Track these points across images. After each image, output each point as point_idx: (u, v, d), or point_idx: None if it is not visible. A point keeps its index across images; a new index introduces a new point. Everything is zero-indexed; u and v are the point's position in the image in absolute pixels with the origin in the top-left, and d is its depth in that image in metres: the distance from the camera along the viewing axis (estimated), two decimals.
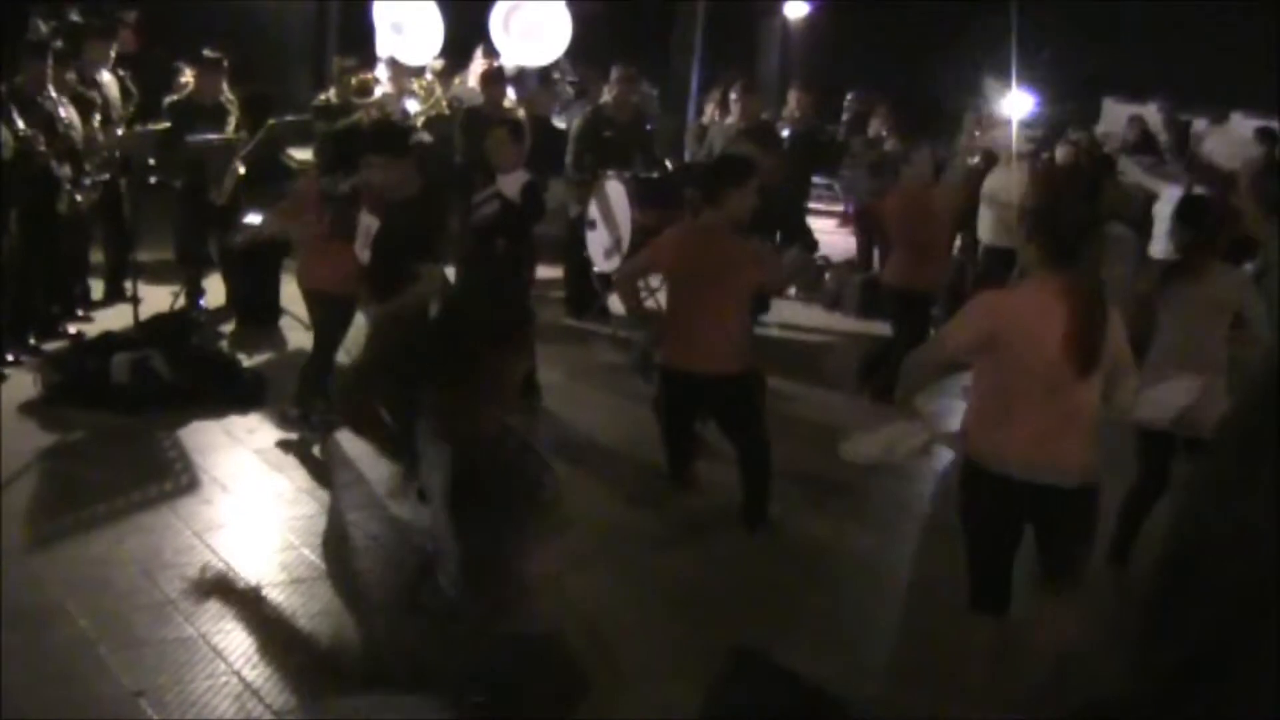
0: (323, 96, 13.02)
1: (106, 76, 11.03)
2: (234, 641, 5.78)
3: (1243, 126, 16.47)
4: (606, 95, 13.35)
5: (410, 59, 13.46)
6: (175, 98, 11.59)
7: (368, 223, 7.37)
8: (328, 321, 8.45)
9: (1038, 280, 5.14)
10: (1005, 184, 11.68)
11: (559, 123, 13.17)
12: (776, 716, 3.71)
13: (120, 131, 10.80)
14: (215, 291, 11.58)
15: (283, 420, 8.58)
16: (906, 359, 5.56)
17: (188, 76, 11.62)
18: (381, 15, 13.43)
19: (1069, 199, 6.22)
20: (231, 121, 11.22)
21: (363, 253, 7.19)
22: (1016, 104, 14.86)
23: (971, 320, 5.26)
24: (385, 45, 13.50)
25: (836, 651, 6.07)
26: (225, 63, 11.46)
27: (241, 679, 5.48)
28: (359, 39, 14.93)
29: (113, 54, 11.07)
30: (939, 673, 6.05)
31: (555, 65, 14.46)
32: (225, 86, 11.45)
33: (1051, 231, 5.07)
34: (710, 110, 14.44)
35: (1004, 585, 5.25)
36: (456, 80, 14.21)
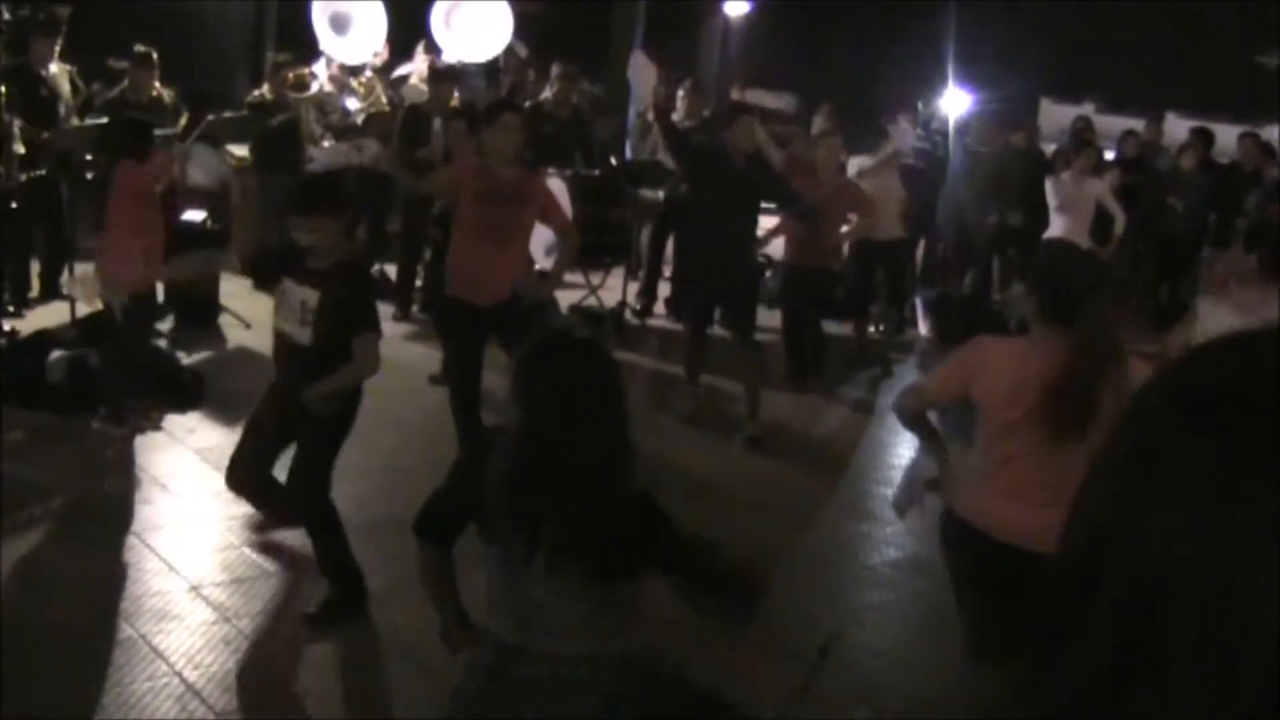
0: (257, 93, 12.92)
1: (55, 69, 10.94)
2: (174, 642, 5.74)
3: (1177, 127, 16.65)
4: (547, 92, 13.34)
5: (351, 57, 13.39)
6: (109, 94, 11.51)
7: (303, 297, 6.21)
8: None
9: (1034, 335, 4.77)
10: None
11: None
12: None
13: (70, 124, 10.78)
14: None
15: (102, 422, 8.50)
16: (895, 403, 5.29)
17: (124, 67, 11.55)
18: (320, 11, 13.32)
19: (1073, 255, 5.78)
20: (170, 116, 11.15)
21: (301, 331, 6.16)
22: (955, 102, 14.96)
23: (955, 368, 4.97)
24: (325, 42, 13.41)
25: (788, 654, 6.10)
26: (155, 56, 11.37)
27: (182, 679, 5.42)
28: (298, 35, 14.83)
29: (57, 49, 10.97)
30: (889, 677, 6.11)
31: (509, 46, 14.42)
32: (157, 82, 11.38)
33: (1050, 287, 4.71)
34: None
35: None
36: (412, 76, 14.14)
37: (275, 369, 6.52)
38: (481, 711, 3.65)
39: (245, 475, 6.71)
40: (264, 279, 6.62)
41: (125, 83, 11.40)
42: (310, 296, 6.08)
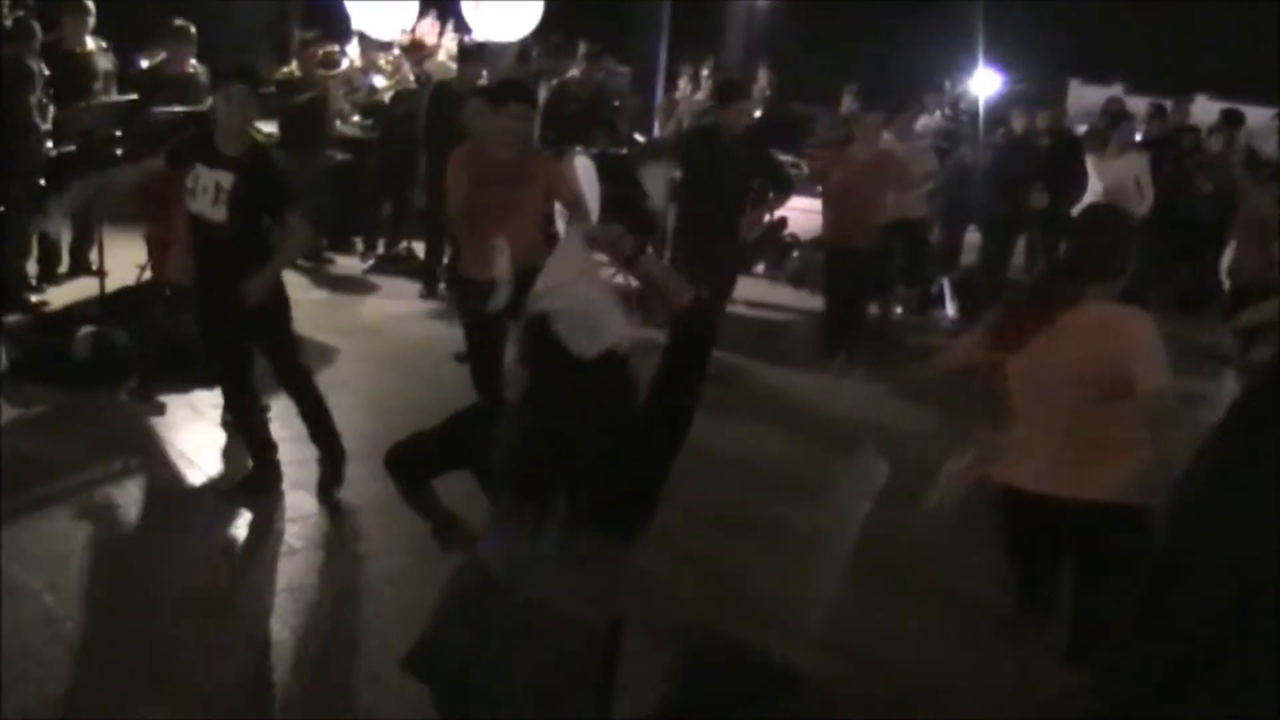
0: (284, 70, 12.91)
1: (90, 45, 10.95)
2: None
3: (1208, 110, 16.54)
4: (573, 71, 13.32)
5: (381, 33, 13.40)
6: (144, 66, 11.54)
7: (217, 179, 6.69)
8: None
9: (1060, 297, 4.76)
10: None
11: None
12: (739, 696, 3.69)
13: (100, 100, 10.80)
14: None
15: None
16: (935, 358, 5.43)
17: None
18: None
19: (1105, 216, 5.60)
20: (203, 93, 11.18)
21: (215, 210, 6.68)
22: (983, 83, 14.90)
23: (987, 330, 5.01)
24: (358, 19, 13.43)
25: (795, 632, 6.09)
26: (193, 31, 11.38)
27: None
28: (324, 13, 14.84)
29: (90, 23, 10.97)
30: (897, 654, 6.10)
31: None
32: (194, 59, 11.41)
33: (1082, 249, 4.81)
34: (683, 86, 14.43)
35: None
36: (440, 54, 14.14)
37: (193, 267, 7.04)
38: (465, 635, 3.54)
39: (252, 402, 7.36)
40: (177, 164, 6.88)
41: (161, 55, 11.41)
42: (224, 178, 6.61)
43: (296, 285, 9.73)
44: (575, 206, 8.10)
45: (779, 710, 3.53)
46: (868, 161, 10.56)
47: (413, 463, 3.82)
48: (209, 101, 10.94)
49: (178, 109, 10.81)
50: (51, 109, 10.18)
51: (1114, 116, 14.31)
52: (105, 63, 11.16)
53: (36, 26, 10.19)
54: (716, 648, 3.75)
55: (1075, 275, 4.71)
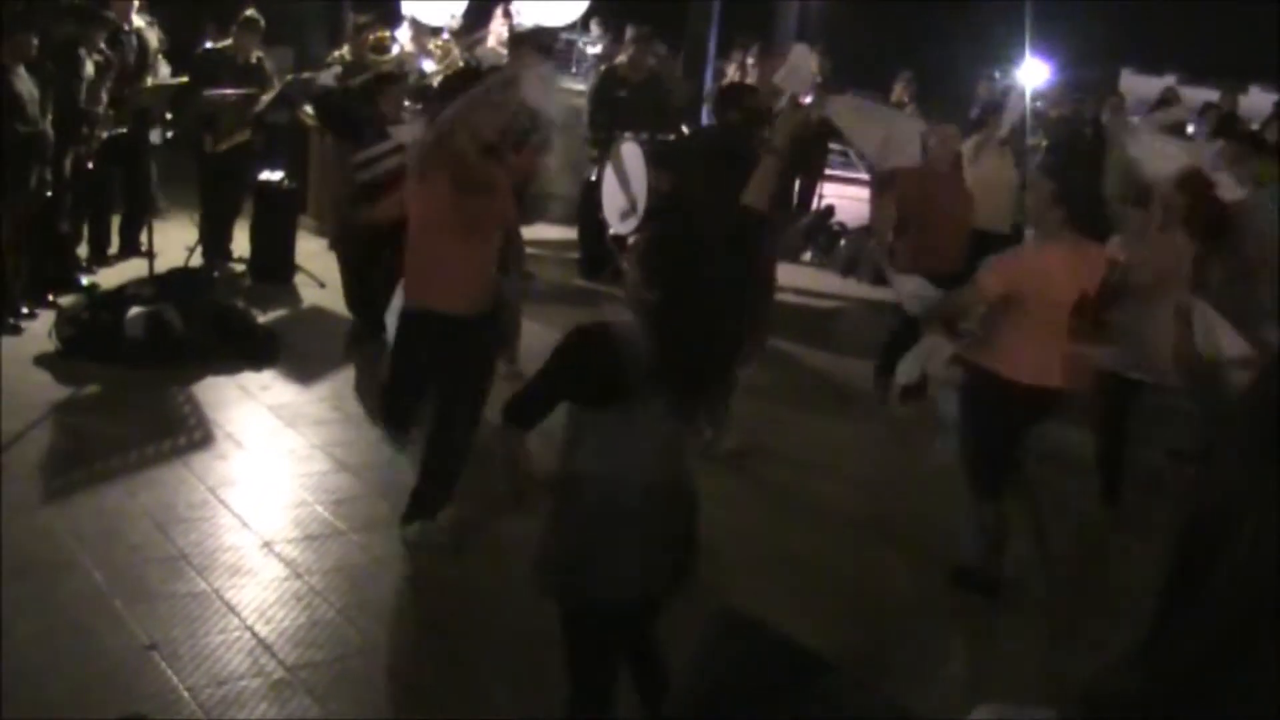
0: (337, 53, 12.97)
1: (140, 23, 11.03)
2: (247, 596, 5.81)
3: (1261, 100, 16.40)
4: (622, 57, 13.31)
5: (433, 19, 13.44)
6: (207, 47, 11.66)
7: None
8: None
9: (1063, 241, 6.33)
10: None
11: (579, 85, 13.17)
12: (767, 680, 3.70)
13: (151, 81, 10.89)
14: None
15: None
16: (945, 298, 6.67)
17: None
18: None
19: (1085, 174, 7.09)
20: (265, 82, 11.34)
21: None
22: (1032, 73, 14.80)
23: (1001, 272, 6.34)
24: (409, 5, 13.48)
25: (829, 612, 6.12)
26: (262, 24, 11.48)
27: (254, 634, 5.49)
28: None
29: (136, 3, 11.04)
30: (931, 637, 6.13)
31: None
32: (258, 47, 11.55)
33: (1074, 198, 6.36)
34: (732, 73, 14.39)
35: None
36: (490, 39, 14.18)
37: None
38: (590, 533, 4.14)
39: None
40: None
41: (229, 41, 11.51)
42: None
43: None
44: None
45: (810, 695, 3.54)
46: (946, 175, 9.69)
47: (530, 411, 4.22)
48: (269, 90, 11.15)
49: (229, 92, 10.92)
50: (105, 91, 10.25)
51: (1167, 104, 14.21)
52: (154, 39, 11.23)
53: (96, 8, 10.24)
54: (745, 632, 3.77)
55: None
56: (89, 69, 9.76)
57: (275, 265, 11.23)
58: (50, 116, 9.18)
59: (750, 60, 13.32)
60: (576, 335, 4.10)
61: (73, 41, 9.59)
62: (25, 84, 8.88)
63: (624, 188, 11.62)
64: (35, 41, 8.97)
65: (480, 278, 6.36)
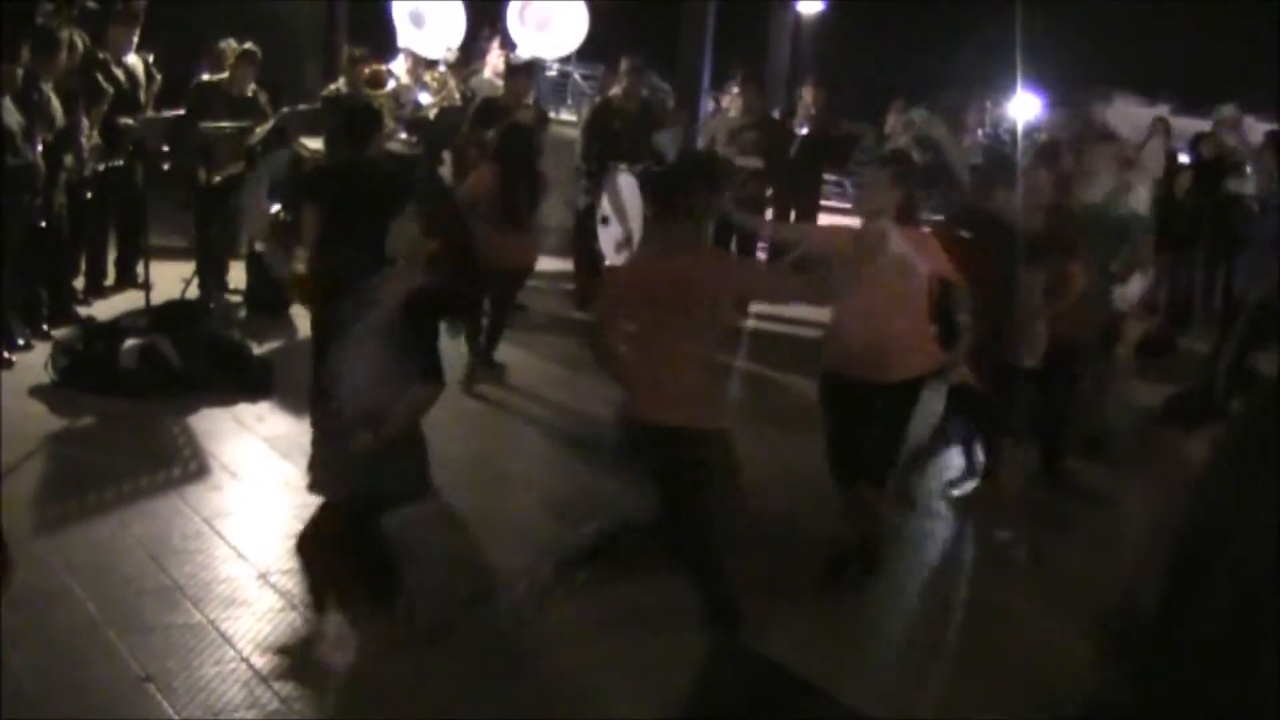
0: (333, 86, 13.02)
1: (133, 59, 11.07)
2: (242, 628, 5.80)
3: (1253, 130, 16.44)
4: (616, 88, 13.37)
5: (429, 51, 13.50)
6: (203, 80, 11.71)
7: None
8: None
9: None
10: None
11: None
12: (763, 711, 3.72)
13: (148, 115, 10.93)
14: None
15: None
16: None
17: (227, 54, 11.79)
18: (400, 7, 13.47)
19: None
20: (261, 115, 11.40)
21: None
22: (1022, 105, 14.84)
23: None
24: (405, 37, 13.53)
25: (827, 644, 6.12)
26: (259, 56, 11.54)
27: (250, 665, 5.48)
28: (371, 29, 14.95)
29: (135, 39, 11.08)
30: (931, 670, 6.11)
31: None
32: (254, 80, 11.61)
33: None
34: (726, 102, 14.45)
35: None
36: (486, 70, 14.25)
37: None
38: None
39: None
40: None
41: (226, 74, 11.57)
42: None
43: None
44: None
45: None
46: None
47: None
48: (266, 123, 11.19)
49: (225, 124, 10.96)
50: (94, 123, 10.27)
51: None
52: (141, 72, 11.26)
53: (77, 40, 10.23)
54: (744, 662, 3.79)
55: None
56: (54, 102, 9.64)
57: (271, 296, 11.24)
58: (40, 148, 9.21)
59: (735, 90, 13.40)
60: None
61: (29, 72, 9.44)
62: (12, 116, 8.91)
63: (620, 219, 11.67)
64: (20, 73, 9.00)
65: None
